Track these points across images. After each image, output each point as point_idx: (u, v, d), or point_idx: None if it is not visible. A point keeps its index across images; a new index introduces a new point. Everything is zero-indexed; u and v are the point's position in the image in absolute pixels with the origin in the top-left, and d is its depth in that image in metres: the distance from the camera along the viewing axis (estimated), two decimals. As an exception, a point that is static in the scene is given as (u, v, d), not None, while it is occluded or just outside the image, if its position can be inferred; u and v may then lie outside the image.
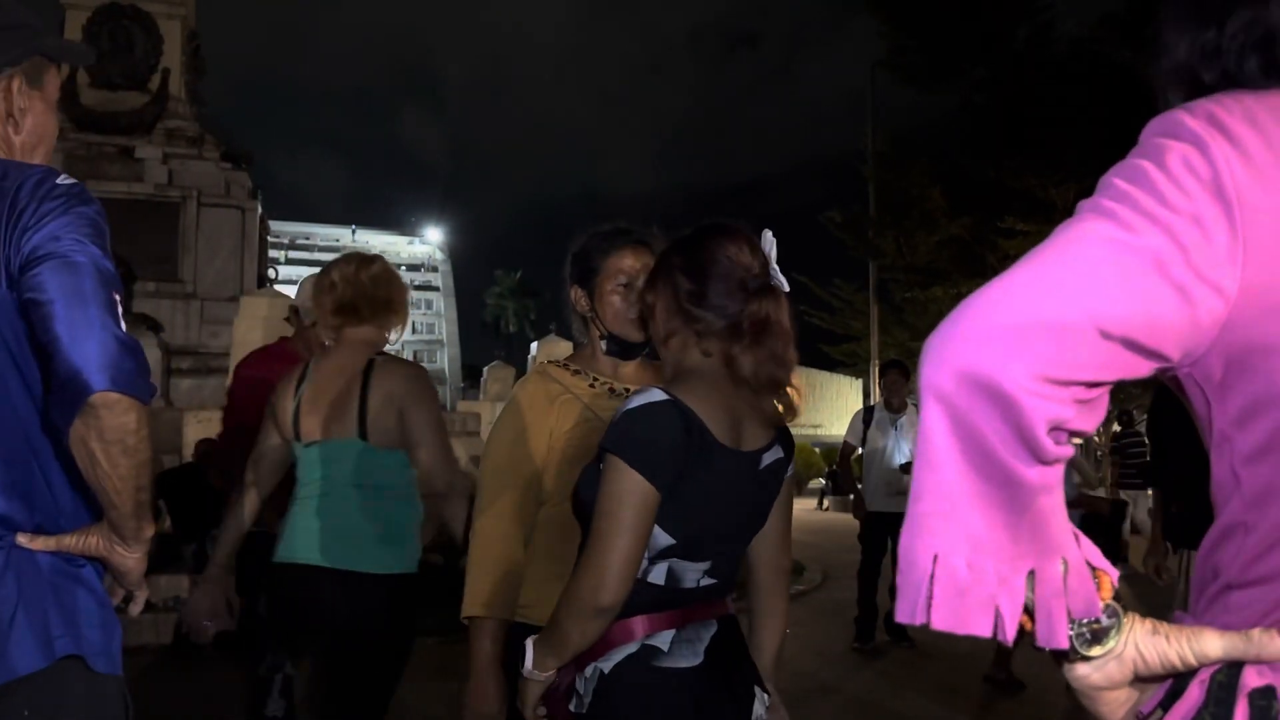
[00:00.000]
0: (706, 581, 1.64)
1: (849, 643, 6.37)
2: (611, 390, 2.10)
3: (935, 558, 0.76)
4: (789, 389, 1.66)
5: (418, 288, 78.10)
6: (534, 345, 13.33)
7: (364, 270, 2.66)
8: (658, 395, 1.56)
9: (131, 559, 1.42)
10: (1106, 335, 0.74)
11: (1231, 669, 0.76)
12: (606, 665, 1.58)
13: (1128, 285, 0.74)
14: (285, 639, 2.94)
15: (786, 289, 1.69)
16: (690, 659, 1.58)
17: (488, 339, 76.01)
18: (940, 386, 0.75)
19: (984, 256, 16.95)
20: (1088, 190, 0.83)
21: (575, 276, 2.15)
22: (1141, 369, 0.77)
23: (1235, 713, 0.74)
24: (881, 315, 19.64)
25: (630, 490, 1.50)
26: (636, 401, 1.56)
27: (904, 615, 0.78)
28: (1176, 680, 0.79)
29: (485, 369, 16.59)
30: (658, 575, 1.60)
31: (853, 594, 6.53)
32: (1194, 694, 0.77)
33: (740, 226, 1.73)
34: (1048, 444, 0.74)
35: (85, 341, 1.25)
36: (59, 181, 1.37)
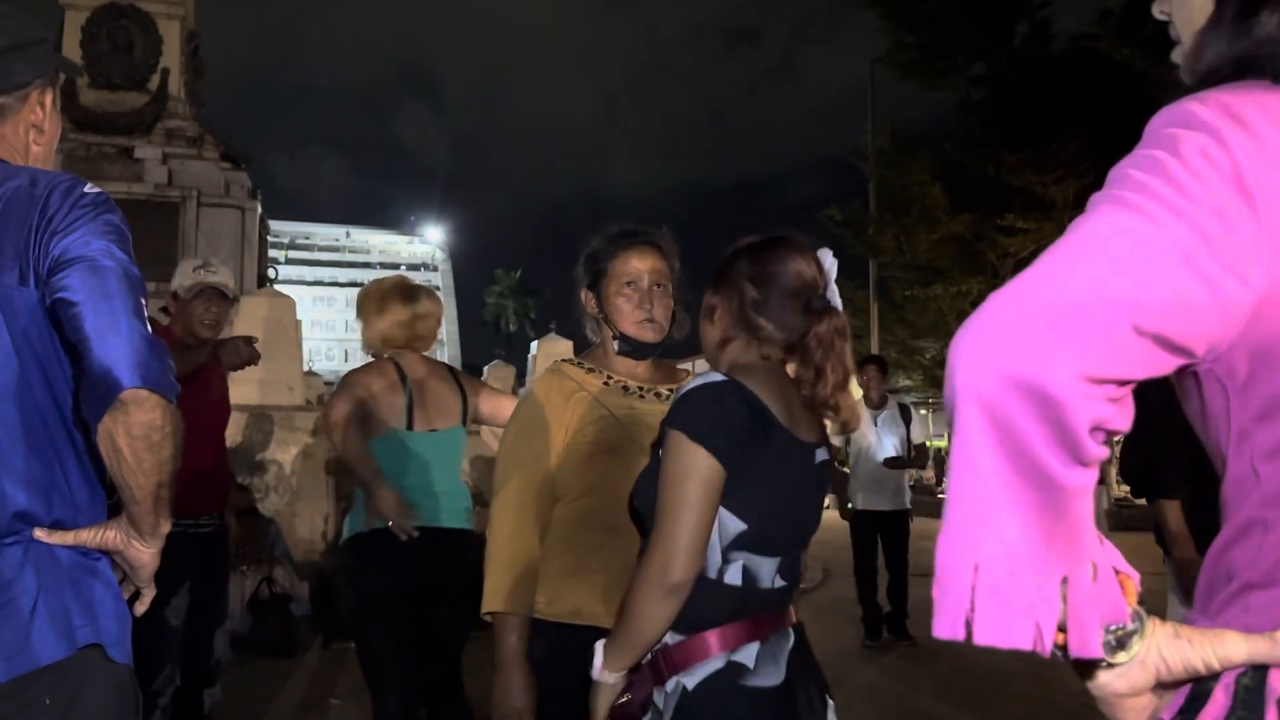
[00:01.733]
0: (779, 582, 1.60)
1: (851, 640, 6.37)
2: (625, 388, 2.12)
3: (976, 568, 0.73)
4: (848, 406, 1.63)
5: (418, 287, 77.91)
6: (534, 344, 13.31)
7: (415, 313, 3.17)
8: (717, 376, 1.56)
9: (146, 554, 1.45)
10: (1140, 331, 0.72)
11: (1256, 672, 0.74)
12: (690, 681, 1.51)
13: (1158, 279, 0.72)
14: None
15: (840, 309, 1.68)
16: (774, 676, 1.53)
17: (488, 338, 75.93)
18: (981, 389, 0.72)
19: (984, 254, 16.97)
20: (1087, 187, 0.82)
21: (585, 279, 2.17)
22: (1168, 365, 0.76)
23: (1266, 717, 0.72)
24: (882, 313, 19.61)
25: (695, 465, 1.48)
26: (697, 382, 1.55)
27: (945, 630, 0.75)
28: (1196, 685, 0.77)
29: (485, 368, 16.58)
30: (734, 575, 1.55)
31: (853, 592, 6.54)
32: (1219, 698, 0.75)
33: (805, 241, 1.73)
34: (1090, 445, 0.72)
35: (115, 341, 1.30)
36: (87, 190, 1.42)
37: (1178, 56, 0.92)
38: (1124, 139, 0.88)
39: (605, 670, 1.56)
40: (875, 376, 6.79)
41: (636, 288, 2.10)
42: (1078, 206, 0.81)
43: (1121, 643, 0.76)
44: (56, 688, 1.34)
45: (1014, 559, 0.73)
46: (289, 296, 10.05)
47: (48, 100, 1.55)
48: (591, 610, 2.00)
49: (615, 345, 2.15)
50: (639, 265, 2.10)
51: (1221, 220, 0.73)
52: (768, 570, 1.57)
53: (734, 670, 1.51)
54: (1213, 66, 0.84)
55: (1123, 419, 0.74)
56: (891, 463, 6.43)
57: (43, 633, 1.34)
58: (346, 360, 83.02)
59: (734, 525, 1.54)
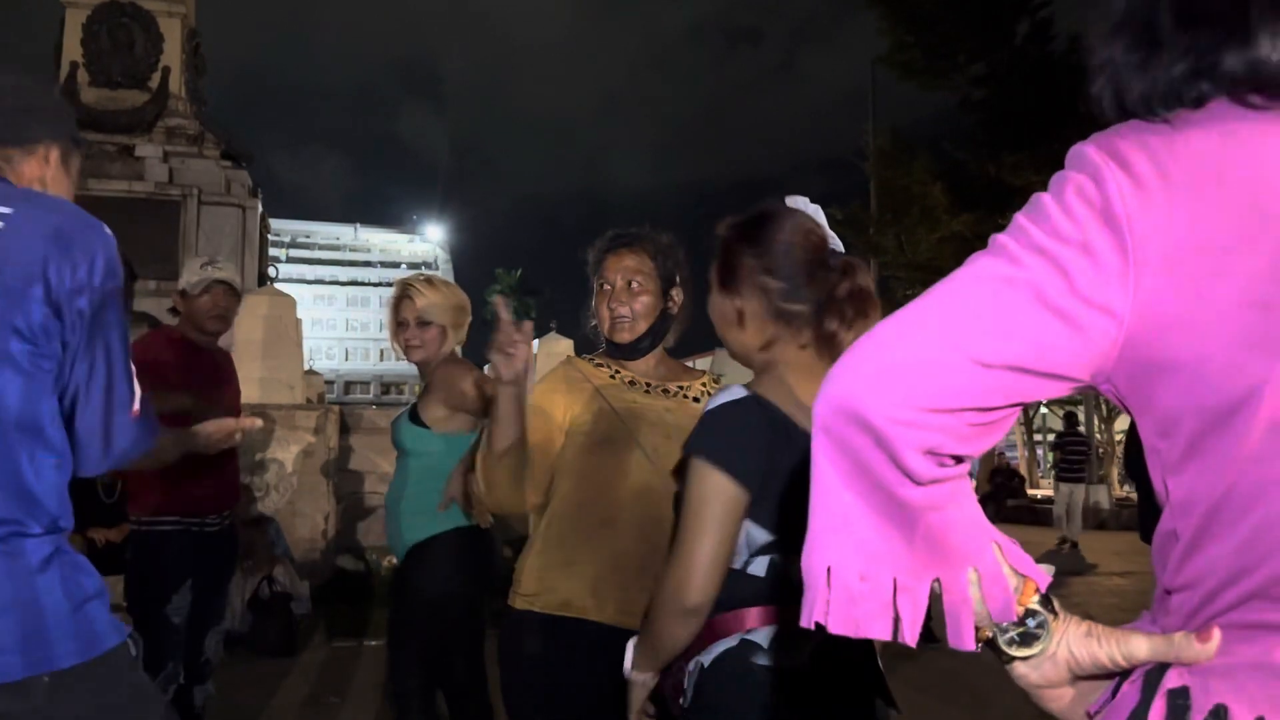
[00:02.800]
0: None
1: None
2: (631, 383, 2.17)
3: (829, 570, 0.83)
4: None
5: (418, 286, 77.84)
6: (535, 343, 13.31)
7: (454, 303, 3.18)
8: (739, 393, 1.54)
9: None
10: (986, 365, 0.78)
11: (1161, 668, 0.80)
12: (707, 659, 1.54)
13: (1002, 317, 0.78)
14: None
15: (843, 251, 1.65)
16: (790, 659, 1.51)
17: (488, 337, 75.70)
18: (822, 418, 0.82)
19: (985, 253, 16.92)
20: None
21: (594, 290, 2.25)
22: (1049, 389, 0.81)
23: (1153, 706, 0.78)
24: (883, 312, 19.59)
25: (714, 489, 1.47)
26: (717, 401, 1.54)
27: (806, 620, 0.85)
28: (1119, 681, 0.83)
29: (486, 367, 16.57)
30: (758, 567, 1.54)
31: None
32: (1127, 691, 0.81)
33: (784, 206, 1.67)
34: (920, 468, 0.79)
35: (107, 422, 1.53)
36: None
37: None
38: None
39: (635, 671, 1.59)
40: None
41: (610, 290, 2.16)
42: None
43: (1025, 639, 0.83)
44: (113, 670, 1.49)
45: (869, 560, 0.83)
46: (289, 295, 10.06)
47: (53, 158, 1.68)
48: (581, 603, 2.02)
49: (605, 347, 2.23)
50: (612, 267, 2.17)
51: (1085, 254, 0.78)
52: (797, 568, 1.56)
53: (746, 648, 1.52)
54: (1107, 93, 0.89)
55: (973, 443, 0.81)
56: None
57: (98, 621, 1.48)
58: (347, 359, 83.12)
59: (760, 536, 1.53)
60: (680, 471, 1.74)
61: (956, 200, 17.44)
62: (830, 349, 1.57)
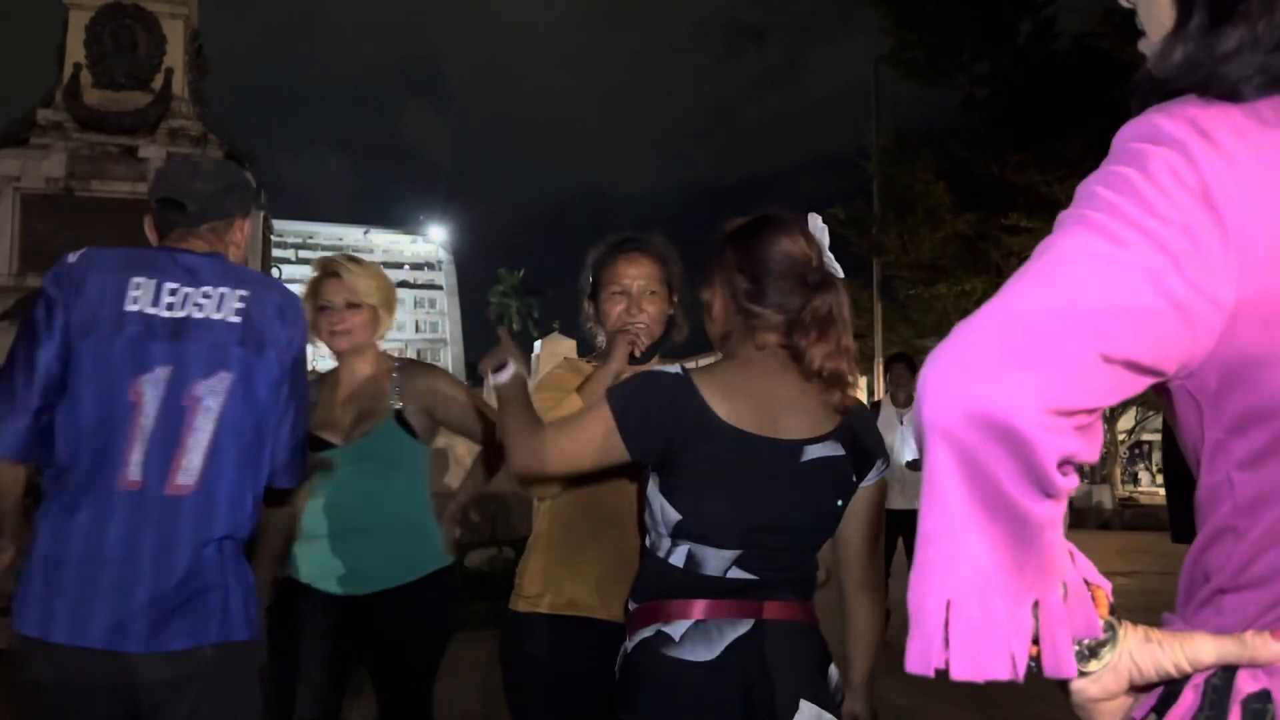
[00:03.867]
0: (737, 573, 1.59)
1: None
2: None
3: (948, 604, 0.74)
4: (839, 376, 1.66)
5: (421, 286, 78.02)
6: (537, 344, 13.31)
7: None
8: (671, 369, 1.63)
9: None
10: (1109, 360, 0.72)
11: (1226, 672, 0.75)
12: (629, 646, 1.64)
13: (1126, 307, 0.72)
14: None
15: (841, 275, 1.70)
16: (702, 654, 1.56)
17: (490, 337, 75.43)
18: (947, 427, 0.72)
19: (988, 253, 16.94)
20: None
21: (587, 289, 2.25)
22: (1138, 386, 0.76)
23: (1230, 717, 0.73)
24: (885, 312, 19.58)
25: (600, 416, 1.60)
26: (652, 369, 1.67)
27: (916, 666, 0.76)
28: (1169, 685, 0.78)
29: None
30: (678, 557, 1.61)
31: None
32: (1188, 699, 0.76)
33: (792, 216, 1.73)
34: (1058, 479, 0.72)
35: (298, 450, 2.05)
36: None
37: (1145, 48, 0.91)
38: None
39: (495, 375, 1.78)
40: (903, 375, 6.65)
41: (625, 294, 2.15)
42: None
43: (1093, 652, 0.77)
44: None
45: (984, 590, 0.73)
46: (294, 296, 10.03)
47: (246, 228, 2.08)
48: (587, 601, 2.02)
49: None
50: (627, 272, 2.16)
51: (1190, 239, 0.72)
52: (716, 561, 1.59)
53: (660, 639, 1.59)
54: (1172, 74, 0.82)
55: (1090, 450, 0.74)
56: (915, 465, 6.36)
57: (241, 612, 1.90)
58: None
59: (671, 514, 1.60)
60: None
61: (960, 199, 17.40)
62: (797, 361, 1.64)
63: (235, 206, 2.06)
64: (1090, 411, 0.73)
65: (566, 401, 2.07)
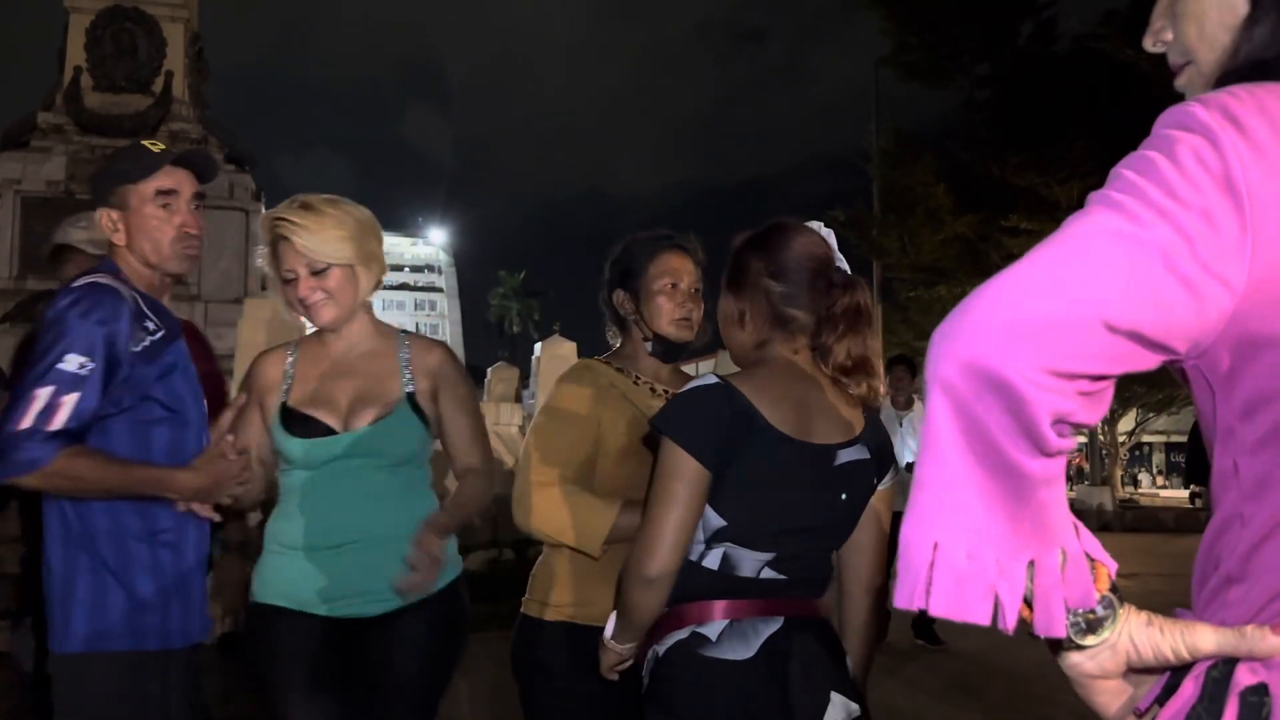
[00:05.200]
0: (769, 574, 1.63)
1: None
2: (652, 390, 2.13)
3: (935, 545, 0.77)
4: (867, 375, 1.68)
5: (421, 289, 78.10)
6: (538, 346, 13.30)
7: None
8: (709, 379, 1.62)
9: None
10: (1113, 329, 0.74)
11: (1227, 665, 0.76)
12: (661, 649, 1.62)
13: (1134, 280, 0.74)
14: None
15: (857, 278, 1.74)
16: (741, 652, 1.58)
17: (491, 340, 75.93)
18: (946, 377, 0.76)
19: (989, 255, 16.91)
20: (1091, 188, 0.83)
21: (616, 280, 2.18)
22: (1148, 361, 0.77)
23: (1226, 710, 0.74)
24: (886, 314, 19.54)
25: (678, 465, 1.56)
26: (689, 385, 1.64)
27: (902, 601, 0.79)
28: (1173, 675, 0.80)
29: (489, 370, 16.57)
30: (712, 560, 1.62)
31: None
32: (1188, 689, 0.77)
33: (797, 222, 1.77)
34: (1050, 436, 0.74)
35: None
36: None
37: (1182, 83, 0.94)
38: (1128, 140, 0.88)
39: (614, 640, 1.70)
40: (903, 377, 6.63)
41: (678, 288, 2.12)
42: (1082, 208, 0.81)
43: (1091, 626, 0.79)
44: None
45: (976, 538, 0.76)
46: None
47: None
48: None
49: (648, 346, 2.15)
50: (680, 267, 2.13)
51: (1207, 222, 0.75)
52: (751, 562, 1.62)
53: (696, 640, 1.59)
54: (1255, 59, 0.85)
55: (1090, 413, 0.77)
56: (914, 468, 6.32)
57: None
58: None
59: (715, 521, 1.61)
60: (648, 442, 1.85)
61: (960, 201, 17.40)
62: (825, 360, 1.67)
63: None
64: (1095, 379, 0.75)
65: (589, 433, 2.02)
